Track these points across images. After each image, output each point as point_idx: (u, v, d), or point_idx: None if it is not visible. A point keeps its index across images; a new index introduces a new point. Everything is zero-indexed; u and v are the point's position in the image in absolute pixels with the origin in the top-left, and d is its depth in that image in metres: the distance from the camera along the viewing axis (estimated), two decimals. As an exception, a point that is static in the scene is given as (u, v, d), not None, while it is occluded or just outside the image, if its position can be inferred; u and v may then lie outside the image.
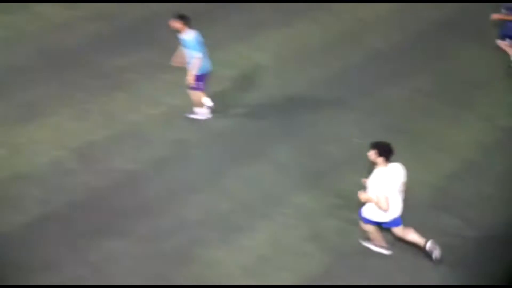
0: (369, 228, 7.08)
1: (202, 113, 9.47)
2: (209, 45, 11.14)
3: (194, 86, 9.09)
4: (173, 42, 11.26)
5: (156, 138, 9.04)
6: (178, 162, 8.64)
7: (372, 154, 6.58)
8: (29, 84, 9.85)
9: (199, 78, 9.00)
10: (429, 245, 6.98)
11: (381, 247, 7.26)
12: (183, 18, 8.73)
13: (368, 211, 6.86)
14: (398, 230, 7.05)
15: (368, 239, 7.28)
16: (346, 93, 10.33)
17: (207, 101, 9.40)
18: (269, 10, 12.62)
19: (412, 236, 7.02)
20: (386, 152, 6.52)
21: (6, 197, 7.75)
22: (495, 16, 10.58)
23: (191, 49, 8.76)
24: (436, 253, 7.00)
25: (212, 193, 8.06)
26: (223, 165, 8.55)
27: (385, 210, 6.56)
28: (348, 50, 11.60)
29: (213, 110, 9.47)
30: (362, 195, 6.67)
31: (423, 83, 10.65)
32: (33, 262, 6.85)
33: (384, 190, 6.48)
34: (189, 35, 8.76)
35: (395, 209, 6.77)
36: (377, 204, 6.54)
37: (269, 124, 9.50)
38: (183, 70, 10.46)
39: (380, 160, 6.54)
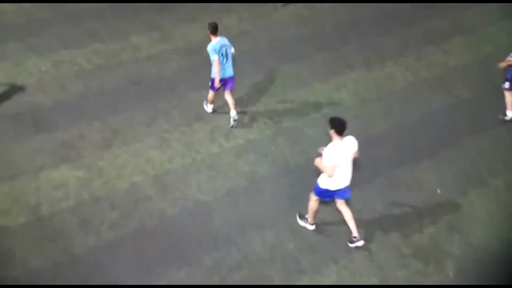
0: (313, 200, 7.74)
1: (208, 108, 10.46)
2: (291, 83, 11.37)
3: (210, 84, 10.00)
4: (254, 78, 11.57)
5: (231, 170, 9.17)
6: (250, 195, 8.70)
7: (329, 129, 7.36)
8: (116, 109, 10.32)
9: (212, 81, 9.84)
10: (357, 238, 7.66)
11: (309, 223, 8.01)
12: (208, 25, 9.59)
13: (322, 180, 7.48)
14: (341, 203, 7.70)
15: (303, 216, 8.06)
16: (428, 139, 10.08)
17: (209, 108, 10.43)
18: (354, 52, 12.59)
19: (348, 218, 7.70)
20: (336, 125, 7.26)
21: (82, 219, 8.09)
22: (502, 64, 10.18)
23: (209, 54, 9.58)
24: (357, 244, 7.69)
25: (280, 230, 8.02)
26: (294, 203, 8.49)
27: (330, 176, 7.23)
28: (432, 96, 11.32)
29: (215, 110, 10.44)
30: (316, 160, 7.35)
31: (506, 134, 10.23)
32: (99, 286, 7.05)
33: (333, 159, 7.16)
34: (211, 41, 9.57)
35: (344, 179, 7.39)
36: (324, 170, 7.25)
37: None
38: (262, 105, 10.70)
39: (332, 132, 7.29)
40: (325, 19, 13.89)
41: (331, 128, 7.29)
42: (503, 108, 10.67)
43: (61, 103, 10.39)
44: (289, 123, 10.37)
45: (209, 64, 9.67)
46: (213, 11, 13.78)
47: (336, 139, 7.28)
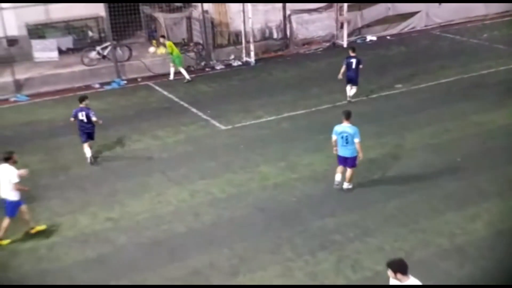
0: None
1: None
2: (422, 212, 11.12)
3: None
4: (382, 206, 11.42)
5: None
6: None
7: (390, 274, 6.90)
8: (244, 236, 10.65)
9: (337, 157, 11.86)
10: None
11: None
12: (344, 113, 11.74)
13: None
14: None
15: None
16: None
17: (337, 177, 11.92)
18: (487, 182, 12.07)
19: None
20: (399, 267, 6.88)
21: None
22: None
23: None
24: None
25: None
26: None
27: None
28: None
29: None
30: None
31: None
32: None
33: None
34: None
35: None
36: None
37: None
38: (390, 234, 10.43)
39: (399, 276, 6.86)
40: (455, 148, 13.66)
41: (396, 272, 6.91)
42: None
43: (195, 231, 11.00)
44: (421, 254, 9.90)
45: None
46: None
47: (406, 279, 6.93)
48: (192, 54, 21.25)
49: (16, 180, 10.49)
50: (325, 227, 10.78)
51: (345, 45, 23.11)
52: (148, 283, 9.61)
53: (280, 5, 22.64)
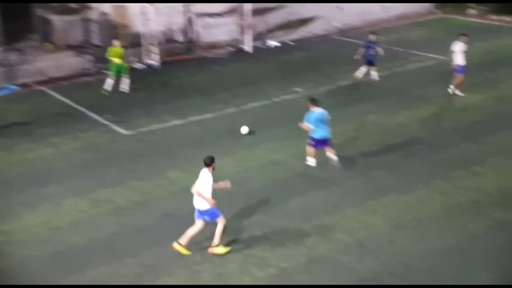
0: None
1: (310, 161, 13.13)
2: (323, 209, 11.30)
3: (309, 142, 12.94)
4: (283, 206, 11.55)
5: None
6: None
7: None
8: (149, 244, 10.38)
9: (313, 140, 12.80)
10: None
11: None
12: (310, 100, 12.92)
13: None
14: None
15: None
16: (467, 268, 9.54)
17: (312, 161, 13.05)
18: (384, 177, 12.65)
19: None
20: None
21: None
22: None
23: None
24: None
25: None
26: None
27: None
28: (468, 221, 10.91)
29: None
30: None
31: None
32: None
33: None
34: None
35: None
36: None
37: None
38: (293, 231, 10.60)
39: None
40: (354, 147, 14.15)
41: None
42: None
43: (96, 241, 10.55)
44: (322, 249, 10.14)
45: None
46: (245, 146, 14.35)
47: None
48: (89, 57, 20.47)
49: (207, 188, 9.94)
50: (231, 227, 10.73)
51: (250, 50, 23.31)
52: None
53: (182, 7, 22.42)
